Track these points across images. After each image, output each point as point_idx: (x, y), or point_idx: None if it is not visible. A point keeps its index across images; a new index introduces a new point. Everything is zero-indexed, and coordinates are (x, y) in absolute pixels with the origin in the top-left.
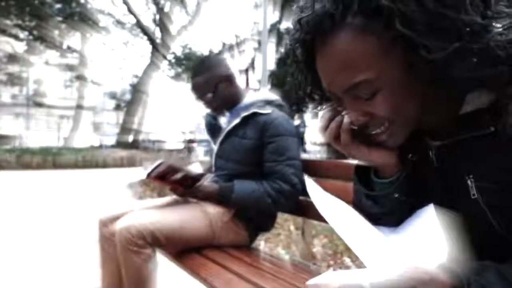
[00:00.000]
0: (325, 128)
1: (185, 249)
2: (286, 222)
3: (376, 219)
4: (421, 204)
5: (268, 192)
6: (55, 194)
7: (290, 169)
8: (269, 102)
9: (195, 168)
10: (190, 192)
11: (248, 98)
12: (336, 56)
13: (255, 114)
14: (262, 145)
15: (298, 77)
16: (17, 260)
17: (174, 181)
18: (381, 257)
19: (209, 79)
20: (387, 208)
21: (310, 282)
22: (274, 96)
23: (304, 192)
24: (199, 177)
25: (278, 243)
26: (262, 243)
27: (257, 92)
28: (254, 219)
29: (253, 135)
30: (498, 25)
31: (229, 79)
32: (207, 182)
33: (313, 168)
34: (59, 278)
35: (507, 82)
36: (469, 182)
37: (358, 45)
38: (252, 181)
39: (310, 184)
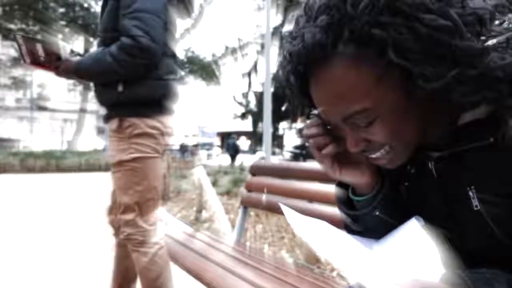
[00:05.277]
0: (313, 136)
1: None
2: (290, 226)
3: (359, 234)
4: (406, 219)
5: (110, 51)
6: (59, 197)
7: (132, 21)
8: None
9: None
10: (59, 71)
11: None
12: (330, 87)
13: None
14: (118, 4)
15: (295, 102)
16: (19, 262)
17: (46, 64)
18: (373, 274)
19: None
20: (368, 225)
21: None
22: None
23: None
24: (58, 52)
25: (282, 246)
26: (266, 247)
27: None
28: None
29: None
30: (494, 41)
31: None
32: (69, 60)
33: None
34: (62, 279)
35: (505, 96)
36: (470, 193)
37: (351, 74)
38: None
39: (287, 210)
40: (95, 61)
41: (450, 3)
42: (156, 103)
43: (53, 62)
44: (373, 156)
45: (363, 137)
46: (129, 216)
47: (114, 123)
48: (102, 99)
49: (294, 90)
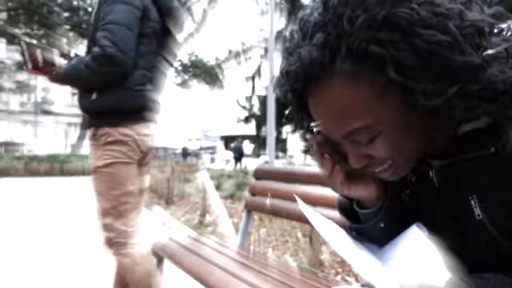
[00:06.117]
0: (325, 153)
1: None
2: (294, 230)
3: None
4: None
5: (85, 59)
6: (62, 200)
7: (103, 32)
8: None
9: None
10: (52, 77)
11: None
12: (329, 105)
13: None
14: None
15: (295, 117)
16: (22, 264)
17: (43, 70)
18: (382, 276)
19: None
20: (373, 236)
21: None
22: None
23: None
24: (53, 58)
25: (286, 250)
26: (269, 250)
27: None
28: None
29: (97, 10)
30: (493, 51)
31: None
32: (60, 67)
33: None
34: (65, 281)
35: (506, 107)
36: (472, 202)
37: (350, 91)
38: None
39: (302, 205)
40: (73, 69)
41: (448, 16)
42: (127, 112)
43: (49, 68)
44: (376, 170)
45: (365, 152)
46: (107, 220)
47: (91, 132)
48: (80, 106)
49: (293, 107)
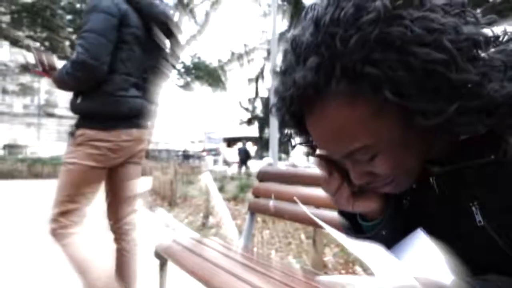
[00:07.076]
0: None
1: None
2: (297, 231)
3: None
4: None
5: (66, 65)
6: None
7: (79, 40)
8: None
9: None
10: (53, 77)
11: None
12: (326, 126)
13: None
14: None
15: (294, 136)
16: (23, 265)
17: (49, 72)
18: (395, 269)
19: None
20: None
21: (322, 278)
22: None
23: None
24: (55, 64)
25: (289, 252)
26: (273, 252)
27: None
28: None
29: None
30: (489, 63)
31: None
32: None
33: None
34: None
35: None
36: (473, 208)
37: (347, 112)
38: None
39: (305, 209)
40: (59, 73)
41: (443, 32)
42: (107, 117)
43: (51, 71)
44: (378, 185)
45: (366, 170)
46: (53, 211)
47: (72, 131)
48: (69, 108)
49: (292, 128)
